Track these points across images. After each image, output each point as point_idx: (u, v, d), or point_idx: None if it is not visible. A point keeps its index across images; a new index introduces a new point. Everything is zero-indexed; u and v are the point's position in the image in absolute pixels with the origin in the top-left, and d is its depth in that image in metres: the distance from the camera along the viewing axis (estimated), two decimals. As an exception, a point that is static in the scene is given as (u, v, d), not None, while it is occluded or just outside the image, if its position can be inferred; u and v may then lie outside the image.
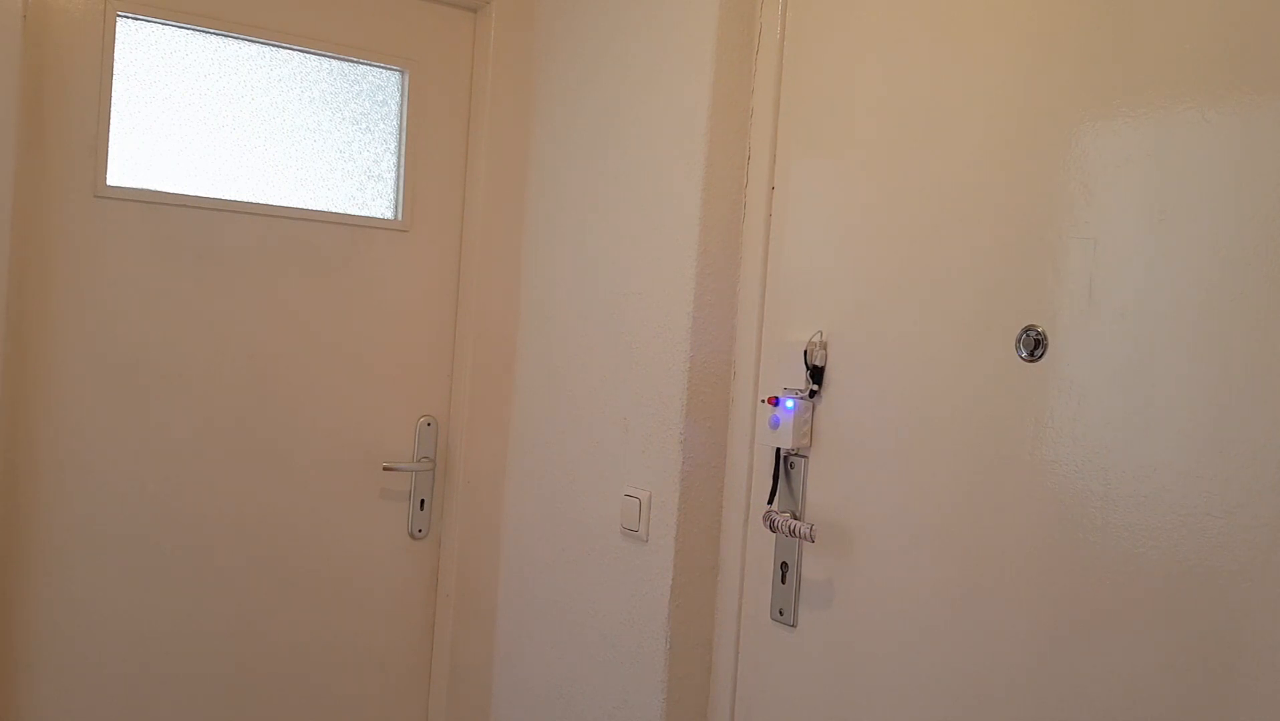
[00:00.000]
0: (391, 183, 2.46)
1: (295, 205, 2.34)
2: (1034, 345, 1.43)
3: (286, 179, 2.34)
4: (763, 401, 1.83)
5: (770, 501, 1.81)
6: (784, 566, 1.81)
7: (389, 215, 2.46)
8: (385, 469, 2.46)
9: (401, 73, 2.44)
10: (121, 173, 2.16)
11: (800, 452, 1.78)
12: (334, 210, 2.39)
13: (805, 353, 1.76)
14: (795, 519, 1.74)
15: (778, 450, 1.81)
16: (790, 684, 1.80)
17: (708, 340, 1.91)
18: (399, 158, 2.45)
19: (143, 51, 2.17)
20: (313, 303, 2.36)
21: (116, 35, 2.12)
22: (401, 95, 2.45)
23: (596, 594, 2.10)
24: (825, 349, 1.75)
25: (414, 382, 2.50)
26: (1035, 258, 1.43)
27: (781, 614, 1.82)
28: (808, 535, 1.70)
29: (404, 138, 2.45)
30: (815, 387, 1.76)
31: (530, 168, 2.42)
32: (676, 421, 1.91)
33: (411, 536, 2.52)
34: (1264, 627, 1.18)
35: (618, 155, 2.11)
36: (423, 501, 2.53)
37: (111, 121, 2.13)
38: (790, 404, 1.76)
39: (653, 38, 2.04)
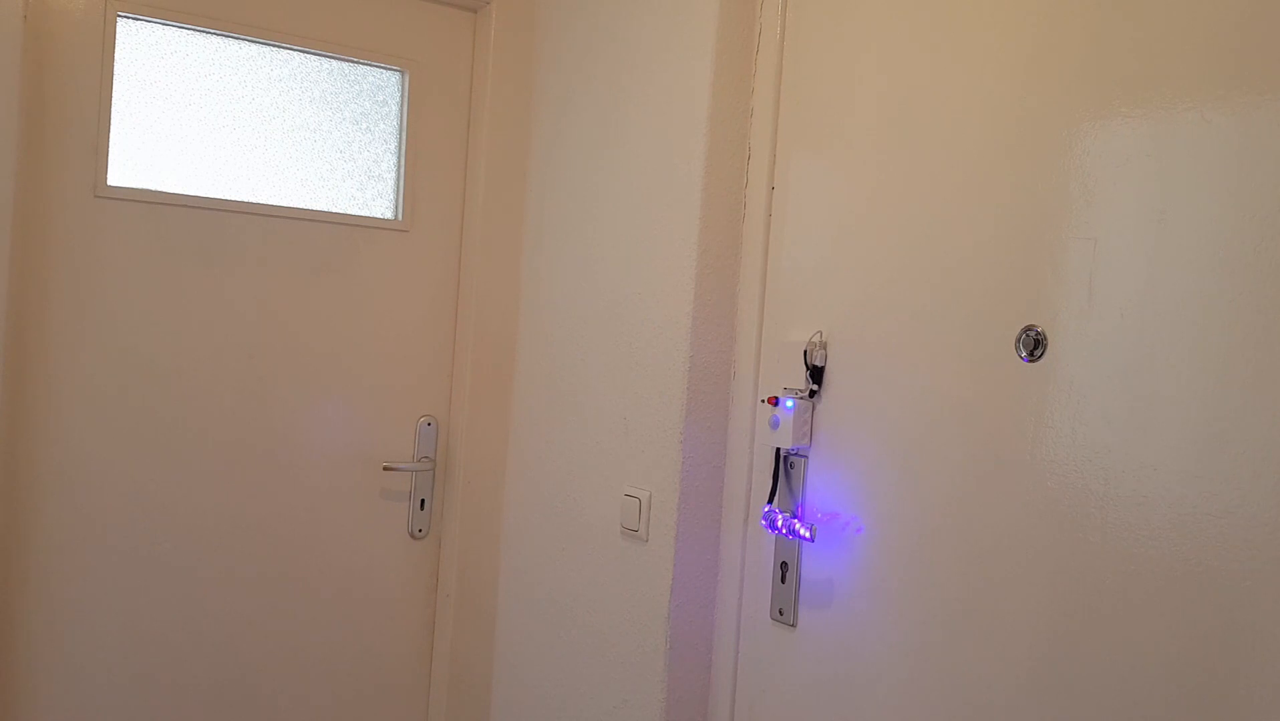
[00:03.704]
0: (391, 183, 2.46)
1: (295, 205, 2.34)
2: (1034, 345, 1.43)
3: (286, 179, 2.34)
4: (763, 401, 1.83)
5: (770, 501, 1.81)
6: (784, 566, 1.81)
7: (389, 215, 2.46)
8: (385, 469, 2.46)
9: (401, 73, 2.44)
10: (122, 173, 2.16)
11: (800, 452, 1.78)
12: (334, 210, 2.39)
13: (805, 352, 1.76)
14: (795, 519, 1.74)
15: (778, 450, 1.81)
16: (790, 684, 1.80)
17: (708, 340, 1.91)
18: (399, 158, 2.45)
19: (143, 51, 2.17)
20: (313, 302, 2.36)
21: (117, 35, 2.13)
22: (401, 95, 2.45)
23: (596, 594, 2.10)
24: (825, 349, 1.75)
25: (414, 383, 2.50)
26: (1035, 258, 1.43)
27: (781, 614, 1.82)
28: (808, 535, 1.70)
29: (404, 138, 2.45)
30: (815, 387, 1.76)
31: (530, 167, 2.42)
32: (676, 421, 1.91)
33: (411, 536, 2.52)
34: (1264, 627, 1.18)
35: (617, 155, 2.11)
36: (423, 501, 2.53)
37: (112, 121, 2.13)
38: (790, 404, 1.76)
39: (652, 38, 2.04)
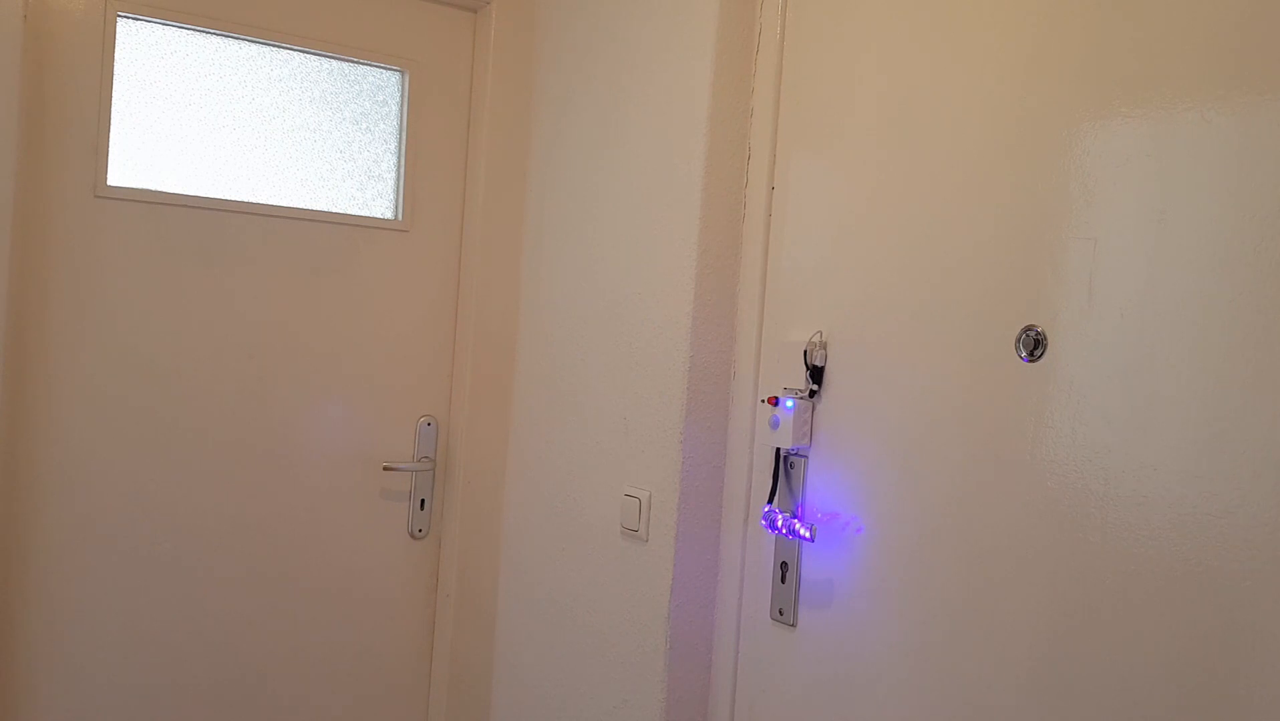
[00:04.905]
0: (391, 183, 2.46)
1: (295, 205, 2.34)
2: (1034, 345, 1.43)
3: (286, 179, 2.34)
4: (763, 401, 1.83)
5: (770, 501, 1.81)
6: (784, 566, 1.81)
7: (389, 215, 2.46)
8: (385, 469, 2.46)
9: (401, 73, 2.44)
10: (122, 173, 2.16)
11: (800, 452, 1.78)
12: (334, 210, 2.39)
13: (805, 352, 1.76)
14: (795, 519, 1.74)
15: (778, 450, 1.81)
16: (790, 684, 1.80)
17: (708, 340, 1.91)
18: (399, 158, 2.45)
19: (143, 51, 2.17)
20: (313, 302, 2.36)
21: (117, 35, 2.13)
22: (401, 95, 2.45)
23: (596, 593, 2.10)
24: (825, 349, 1.75)
25: (414, 383, 2.50)
26: (1035, 257, 1.43)
27: (781, 614, 1.82)
28: (808, 535, 1.70)
29: (404, 138, 2.45)
30: (815, 387, 1.76)
31: (530, 168, 2.42)
32: (676, 421, 1.91)
33: (411, 536, 2.52)
34: (1264, 627, 1.18)
35: (617, 155, 2.11)
36: (423, 501, 2.53)
37: (111, 121, 2.13)
38: (790, 404, 1.76)
39: (652, 38, 2.04)
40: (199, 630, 2.28)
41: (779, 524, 1.75)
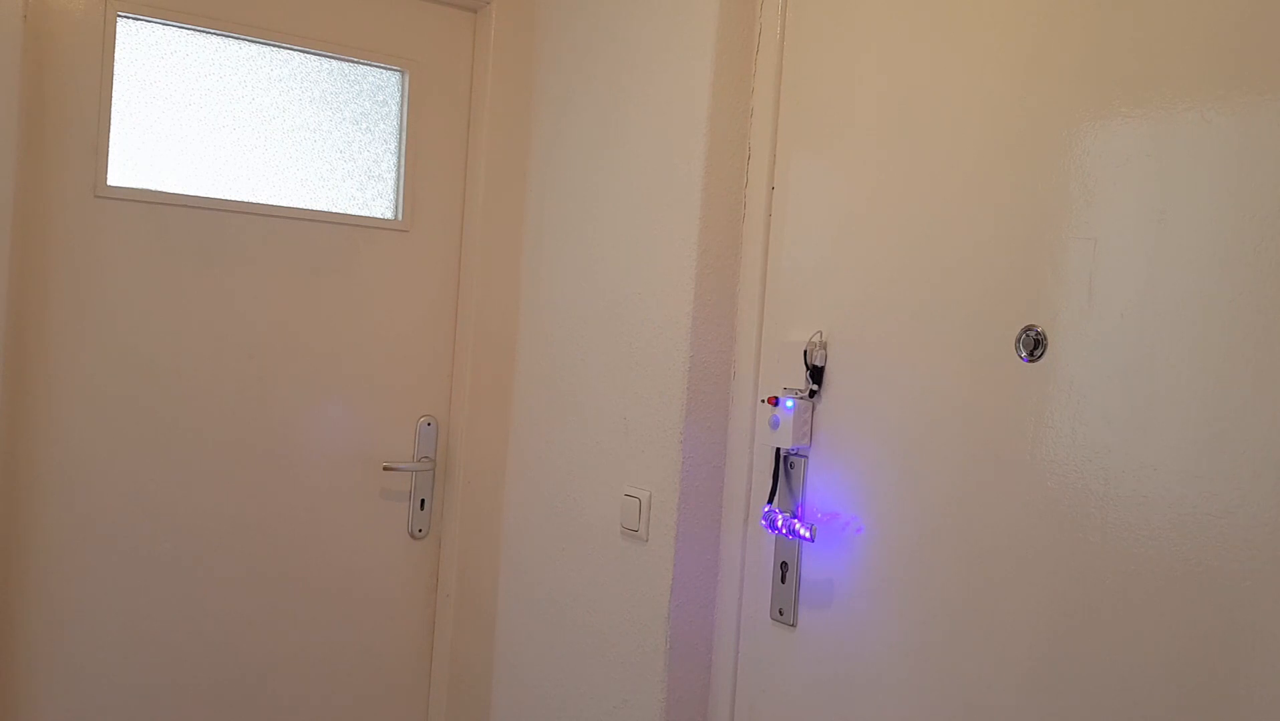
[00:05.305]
0: (391, 183, 2.46)
1: (295, 205, 2.34)
2: (1034, 345, 1.43)
3: (287, 179, 2.34)
4: (763, 401, 1.83)
5: (770, 501, 1.81)
6: (784, 566, 1.81)
7: (389, 215, 2.46)
8: (385, 469, 2.46)
9: (401, 73, 2.44)
10: (122, 173, 2.16)
11: (800, 452, 1.78)
12: (334, 210, 2.39)
13: (805, 353, 1.76)
14: (795, 519, 1.74)
15: (778, 450, 1.81)
16: (790, 684, 1.80)
17: (708, 340, 1.91)
18: (399, 158, 2.45)
19: (143, 51, 2.17)
20: (313, 302, 2.36)
21: (117, 35, 2.13)
22: (401, 95, 2.45)
23: (596, 593, 2.10)
24: (825, 349, 1.75)
25: (414, 383, 2.50)
26: (1035, 257, 1.43)
27: (781, 614, 1.82)
28: (808, 535, 1.70)
29: (404, 138, 2.45)
30: (815, 387, 1.76)
31: (530, 168, 2.42)
32: (676, 421, 1.91)
33: (411, 536, 2.52)
34: (1264, 627, 1.18)
35: (617, 155, 2.11)
36: (423, 501, 2.53)
37: (111, 121, 2.13)
38: (790, 404, 1.76)
39: (652, 38, 2.04)
40: (199, 630, 2.28)
41: (779, 524, 1.75)
